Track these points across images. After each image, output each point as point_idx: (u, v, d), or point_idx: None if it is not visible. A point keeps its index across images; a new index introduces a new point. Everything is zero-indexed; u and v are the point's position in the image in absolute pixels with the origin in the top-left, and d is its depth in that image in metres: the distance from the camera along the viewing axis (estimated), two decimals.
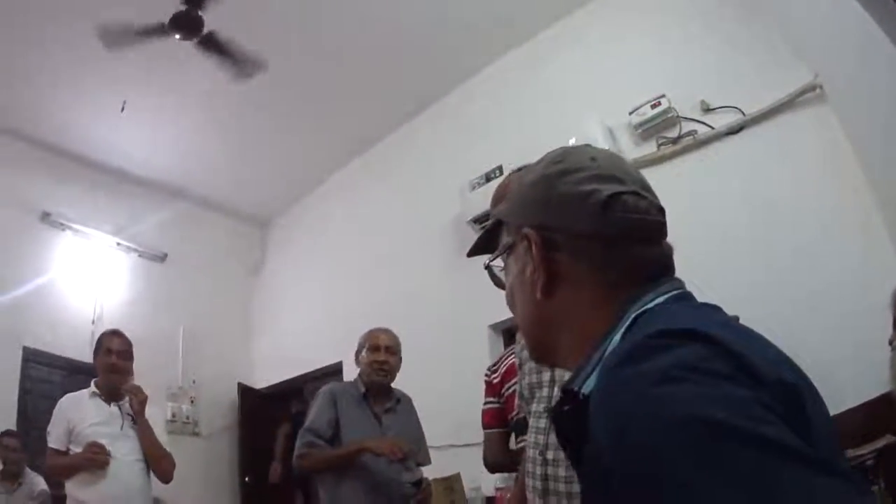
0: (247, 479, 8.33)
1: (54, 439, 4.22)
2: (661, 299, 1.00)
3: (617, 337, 0.97)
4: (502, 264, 1.24)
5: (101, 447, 4.11)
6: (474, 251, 1.37)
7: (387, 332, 4.35)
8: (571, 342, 1.07)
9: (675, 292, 1.03)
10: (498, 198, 2.44)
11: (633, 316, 0.98)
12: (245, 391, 9.00)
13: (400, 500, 3.93)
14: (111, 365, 4.41)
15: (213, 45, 5.99)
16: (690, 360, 0.78)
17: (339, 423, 4.05)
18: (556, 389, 2.22)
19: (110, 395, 4.41)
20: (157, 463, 4.40)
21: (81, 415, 4.28)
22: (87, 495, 4.10)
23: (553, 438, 2.13)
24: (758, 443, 0.68)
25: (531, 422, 2.30)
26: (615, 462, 0.78)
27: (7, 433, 5.88)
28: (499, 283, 1.29)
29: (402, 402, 4.34)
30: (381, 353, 4.19)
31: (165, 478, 4.48)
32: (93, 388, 4.44)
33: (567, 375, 1.00)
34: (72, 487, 4.18)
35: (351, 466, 3.89)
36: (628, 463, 0.76)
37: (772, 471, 0.66)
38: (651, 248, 1.07)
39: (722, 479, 0.66)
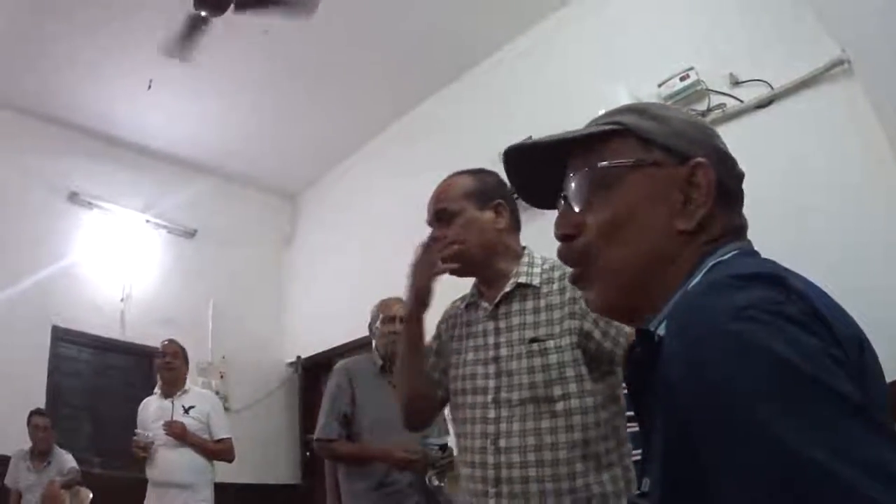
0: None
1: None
2: (735, 252, 1.03)
3: (697, 280, 0.99)
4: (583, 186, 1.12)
5: (137, 441, 5.14)
6: (532, 149, 1.23)
7: (399, 300, 4.11)
8: (667, 285, 1.04)
9: (747, 249, 1.06)
10: (443, 198, 2.40)
11: (712, 263, 1.01)
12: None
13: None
14: (163, 364, 5.46)
15: (250, 3, 5.65)
16: (765, 301, 0.79)
17: (356, 401, 4.08)
18: (503, 380, 2.19)
19: (166, 391, 5.45)
20: (216, 457, 5.48)
21: (146, 413, 5.40)
22: (151, 474, 5.23)
23: (504, 427, 2.14)
24: (826, 392, 0.70)
25: (471, 413, 2.25)
26: (686, 390, 0.80)
27: (37, 412, 6.00)
28: (576, 196, 1.13)
29: None
30: (396, 323, 4.04)
31: (227, 461, 5.62)
32: (157, 389, 5.53)
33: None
34: (146, 470, 5.26)
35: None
36: (700, 390, 0.77)
37: (838, 420, 0.68)
38: (743, 215, 1.13)
39: (792, 419, 0.68)
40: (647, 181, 1.08)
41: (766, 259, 1.02)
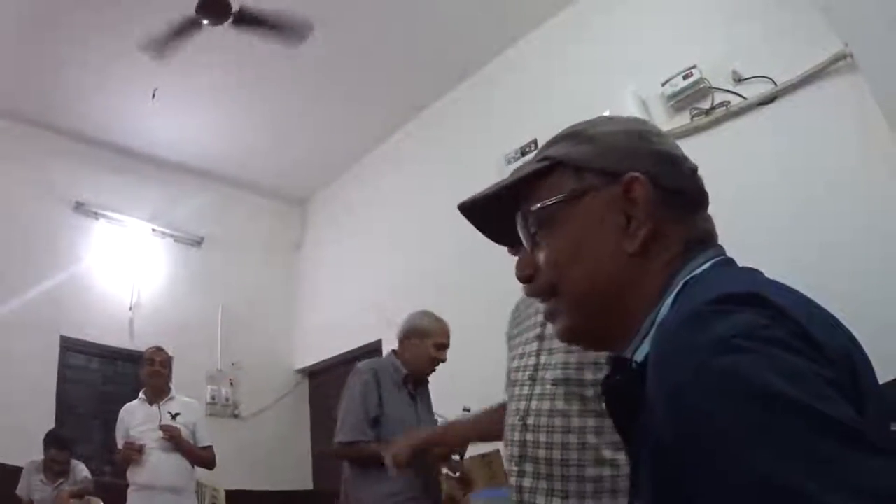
0: None
1: (117, 440, 5.57)
2: (707, 265, 1.00)
3: (668, 301, 0.96)
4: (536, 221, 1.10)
5: (132, 444, 5.35)
6: (483, 200, 1.19)
7: (445, 326, 4.24)
8: (632, 310, 1.01)
9: (719, 258, 1.03)
10: None
11: (682, 281, 0.97)
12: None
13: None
14: (153, 372, 5.69)
15: (248, 20, 5.79)
16: (750, 327, 0.76)
17: (382, 404, 3.99)
18: (542, 357, 2.22)
19: (152, 398, 5.65)
20: (198, 463, 5.68)
21: (132, 418, 5.57)
22: (136, 478, 5.38)
23: (535, 405, 2.15)
24: (819, 421, 0.67)
25: (513, 390, 2.29)
26: (672, 429, 0.78)
27: (56, 443, 5.88)
28: (524, 238, 1.13)
29: (426, 384, 4.29)
30: (445, 352, 4.11)
31: (208, 468, 5.80)
32: (141, 395, 5.72)
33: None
34: (129, 473, 5.42)
35: None
36: (685, 429, 0.75)
37: (830, 449, 0.65)
38: (708, 217, 1.10)
39: (781, 454, 0.66)
40: (585, 210, 1.06)
41: (743, 269, 1.00)
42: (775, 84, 5.03)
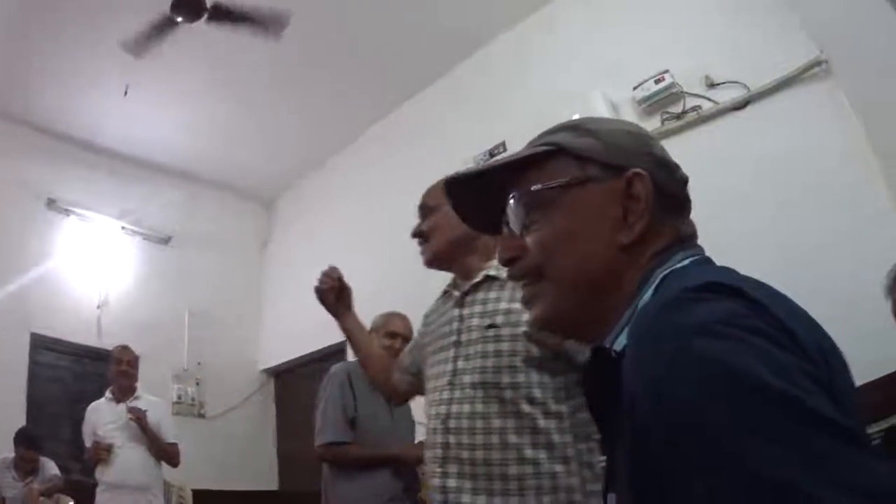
0: None
1: (84, 438, 5.59)
2: (687, 262, 1.02)
3: (648, 294, 0.98)
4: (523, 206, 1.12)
5: (100, 444, 5.39)
6: (473, 177, 1.21)
7: (404, 319, 4.29)
8: (612, 301, 1.03)
9: (698, 256, 1.06)
10: (426, 194, 2.60)
11: (662, 275, 1.00)
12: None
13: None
14: (121, 372, 5.74)
15: (223, 15, 5.79)
16: (730, 315, 0.77)
17: (357, 405, 4.04)
18: (459, 363, 2.29)
19: (119, 397, 5.69)
20: (163, 457, 5.72)
21: (98, 417, 5.60)
22: (104, 477, 5.43)
23: (455, 408, 2.21)
24: (809, 415, 0.67)
25: (433, 396, 2.36)
26: (651, 415, 0.77)
27: (24, 442, 5.87)
28: (514, 219, 1.13)
29: None
30: (398, 341, 4.11)
31: (172, 465, 5.84)
32: (108, 394, 5.74)
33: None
34: (97, 472, 5.46)
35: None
36: (666, 415, 0.74)
37: (823, 444, 0.65)
38: (690, 222, 1.13)
39: (772, 446, 0.65)
40: (584, 198, 1.08)
41: (721, 267, 1.01)
42: (748, 89, 5.05)
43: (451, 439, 2.18)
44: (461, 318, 2.37)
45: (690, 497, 0.70)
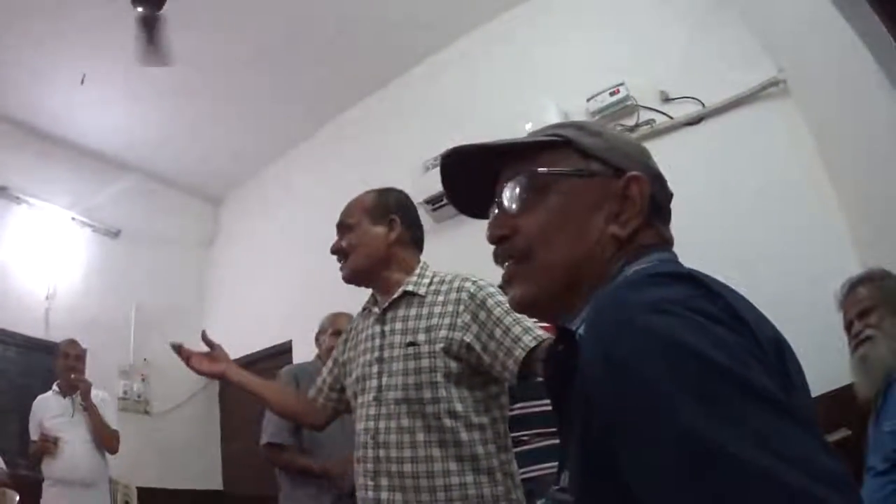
0: None
1: (31, 431, 5.59)
2: (657, 261, 1.08)
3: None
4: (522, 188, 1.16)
5: (45, 437, 5.40)
6: (473, 153, 1.22)
7: (349, 316, 4.27)
8: (587, 289, 1.08)
9: (670, 259, 1.12)
10: (344, 211, 2.74)
11: (633, 270, 1.05)
12: None
13: None
14: (68, 366, 5.72)
15: (148, 24, 5.59)
16: (681, 296, 0.82)
17: None
18: (384, 379, 2.36)
19: (66, 391, 5.69)
20: (102, 438, 5.66)
21: (45, 410, 5.62)
22: (50, 471, 5.45)
23: (382, 424, 2.30)
24: (740, 382, 0.70)
25: (360, 412, 2.43)
26: (600, 383, 0.81)
27: None
28: (510, 198, 1.16)
29: None
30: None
31: (111, 450, 5.76)
32: (54, 387, 5.76)
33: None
34: (43, 466, 5.48)
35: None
36: (613, 383, 0.78)
37: (754, 413, 0.68)
38: (668, 232, 1.19)
39: (706, 412, 0.69)
40: (584, 190, 1.12)
41: (688, 267, 1.03)
42: (703, 105, 5.14)
43: (381, 453, 2.27)
44: (383, 335, 2.45)
45: (644, 471, 0.75)
